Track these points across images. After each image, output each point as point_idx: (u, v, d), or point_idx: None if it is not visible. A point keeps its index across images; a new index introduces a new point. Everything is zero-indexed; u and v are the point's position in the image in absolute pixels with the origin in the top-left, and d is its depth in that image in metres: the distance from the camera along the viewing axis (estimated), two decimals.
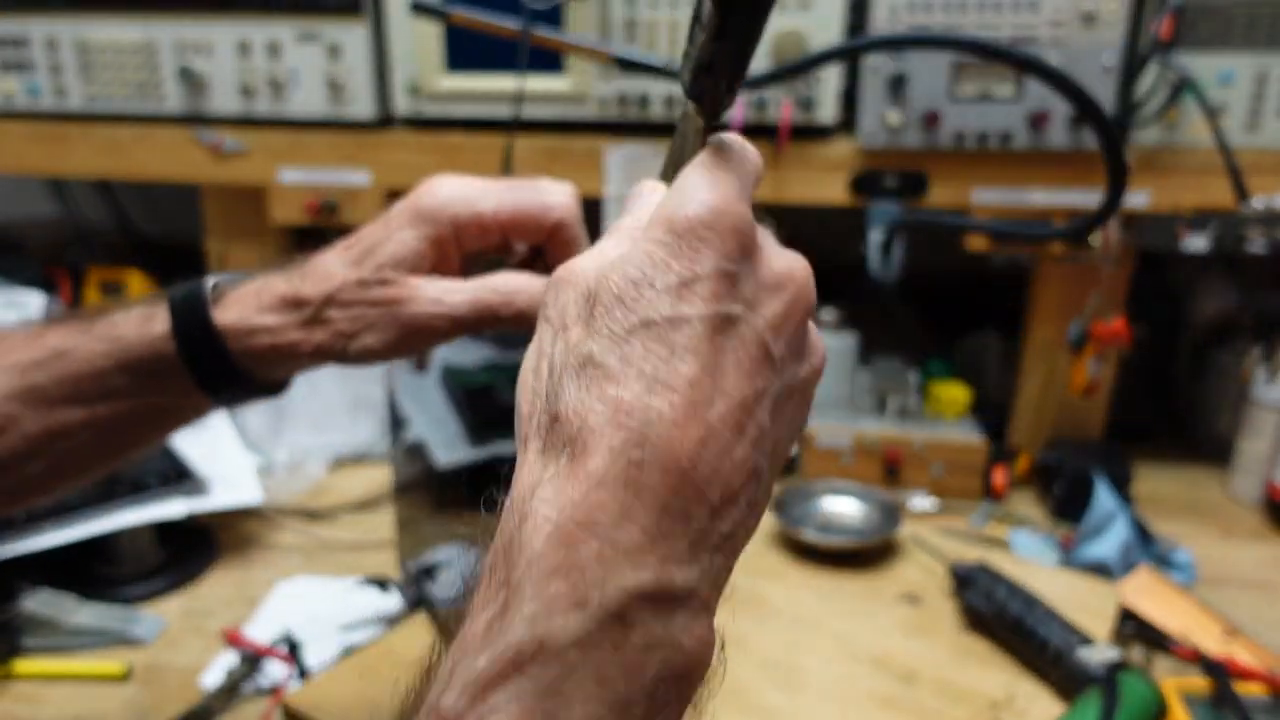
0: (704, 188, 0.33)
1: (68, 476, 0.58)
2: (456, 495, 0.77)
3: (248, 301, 0.53)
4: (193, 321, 0.52)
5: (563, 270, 0.35)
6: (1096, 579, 0.91)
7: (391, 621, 0.88)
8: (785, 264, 0.35)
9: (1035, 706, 0.74)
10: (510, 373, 0.51)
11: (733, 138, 0.36)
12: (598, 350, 0.31)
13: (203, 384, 0.53)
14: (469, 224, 0.50)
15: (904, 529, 0.98)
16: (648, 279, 0.32)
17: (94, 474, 0.59)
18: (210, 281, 0.54)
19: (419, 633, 0.83)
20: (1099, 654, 0.73)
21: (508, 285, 0.50)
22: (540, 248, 0.53)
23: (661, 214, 0.33)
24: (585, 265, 0.34)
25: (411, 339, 0.50)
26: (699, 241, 0.32)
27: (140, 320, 0.54)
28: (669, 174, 0.42)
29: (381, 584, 0.90)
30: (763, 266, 0.34)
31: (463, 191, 0.51)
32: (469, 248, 0.52)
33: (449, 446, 0.76)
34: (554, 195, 0.51)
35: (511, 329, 0.50)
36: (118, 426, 0.55)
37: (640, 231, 0.34)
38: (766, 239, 0.36)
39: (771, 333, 0.33)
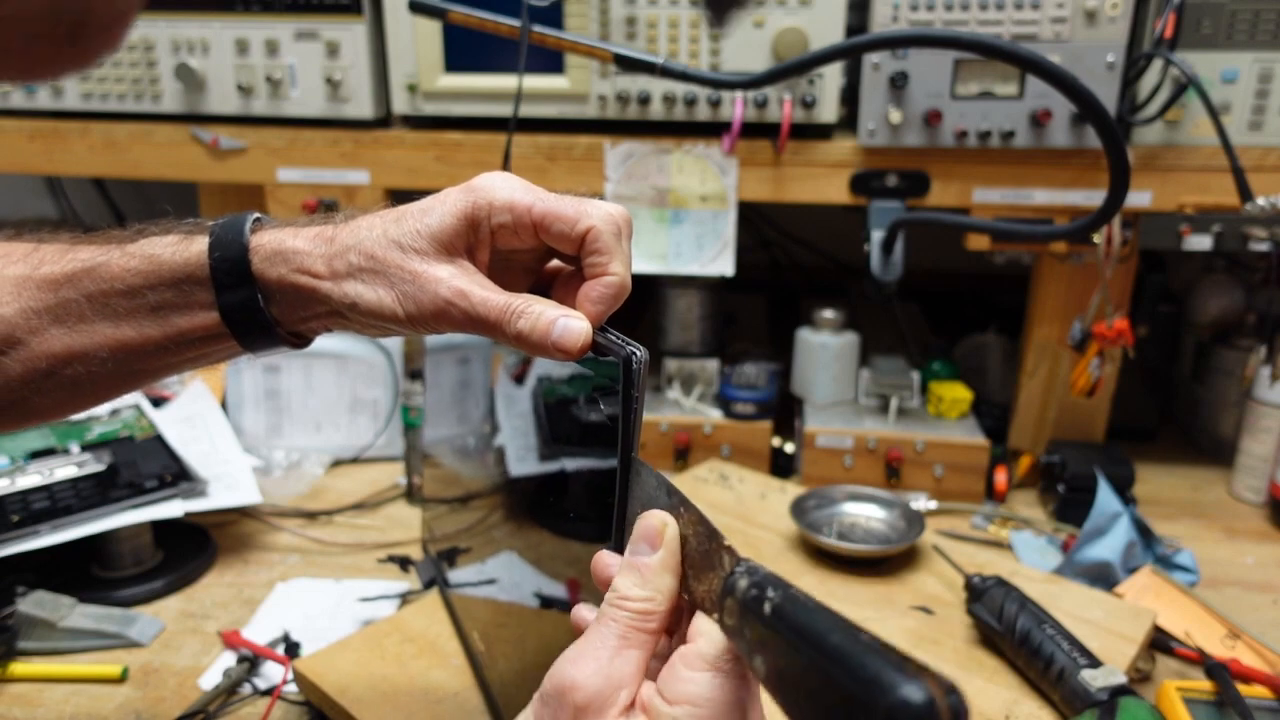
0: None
1: (80, 402, 0.58)
2: (519, 505, 0.77)
3: (285, 230, 0.54)
4: (229, 241, 0.53)
5: (567, 684, 0.40)
6: (1126, 597, 0.88)
7: (405, 597, 0.89)
8: None
9: None
10: (588, 382, 0.51)
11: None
12: None
13: (226, 312, 0.53)
14: (503, 209, 0.51)
15: (926, 537, 0.95)
16: None
17: (105, 400, 0.59)
18: (254, 214, 0.56)
19: (430, 610, 0.84)
20: (1103, 677, 0.71)
21: (521, 304, 0.50)
22: (578, 259, 0.53)
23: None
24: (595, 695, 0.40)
25: (427, 317, 0.51)
26: None
27: (177, 241, 0.54)
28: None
29: (403, 563, 0.92)
30: None
31: (508, 183, 0.52)
32: (503, 243, 0.52)
33: (521, 458, 0.76)
34: (593, 206, 0.51)
35: (509, 344, 0.51)
36: (139, 352, 0.55)
37: None
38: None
39: None
